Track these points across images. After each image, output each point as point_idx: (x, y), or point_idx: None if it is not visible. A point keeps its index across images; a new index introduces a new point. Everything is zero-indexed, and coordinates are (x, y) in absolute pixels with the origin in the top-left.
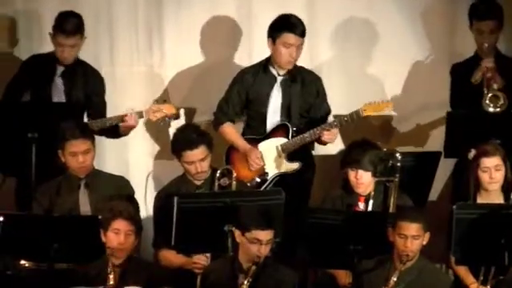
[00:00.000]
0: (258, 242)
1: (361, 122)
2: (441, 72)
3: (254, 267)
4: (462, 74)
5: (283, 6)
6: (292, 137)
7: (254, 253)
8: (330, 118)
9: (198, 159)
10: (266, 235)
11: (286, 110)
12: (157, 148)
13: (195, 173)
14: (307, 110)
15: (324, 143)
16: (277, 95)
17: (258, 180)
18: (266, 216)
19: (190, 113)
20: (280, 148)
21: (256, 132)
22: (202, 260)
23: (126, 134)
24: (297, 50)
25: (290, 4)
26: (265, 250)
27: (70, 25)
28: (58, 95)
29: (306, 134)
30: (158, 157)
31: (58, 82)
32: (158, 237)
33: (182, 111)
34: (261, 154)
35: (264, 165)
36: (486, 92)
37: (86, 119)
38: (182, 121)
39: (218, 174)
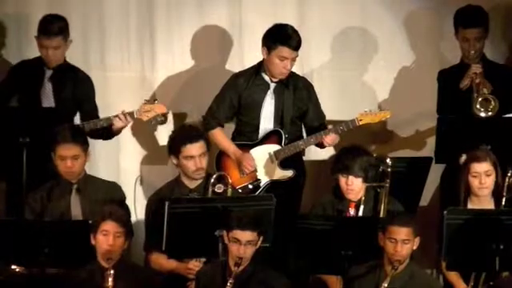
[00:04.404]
0: (237, 242)
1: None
2: (434, 79)
3: (235, 268)
4: (448, 80)
5: (274, 14)
6: (285, 144)
7: (233, 253)
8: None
9: (198, 154)
10: (245, 236)
11: (279, 116)
12: (147, 153)
13: (195, 169)
14: (299, 116)
15: (323, 147)
16: (270, 102)
17: (251, 187)
18: (248, 218)
19: (179, 117)
20: (273, 155)
21: (247, 138)
22: (196, 267)
23: (117, 133)
24: (291, 62)
25: (281, 11)
26: (244, 251)
27: (52, 26)
28: (48, 99)
29: (301, 142)
30: (149, 162)
31: (47, 86)
32: (149, 240)
33: (170, 115)
34: (253, 160)
35: (256, 171)
36: (476, 96)
37: (78, 122)
38: (171, 126)
39: (212, 180)
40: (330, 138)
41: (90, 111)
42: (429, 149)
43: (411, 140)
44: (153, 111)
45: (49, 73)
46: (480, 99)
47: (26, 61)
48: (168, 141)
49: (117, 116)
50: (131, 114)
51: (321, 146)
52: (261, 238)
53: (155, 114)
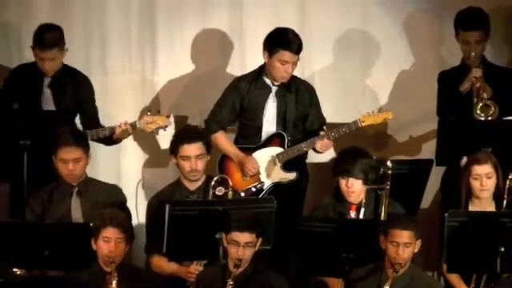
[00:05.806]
0: (235, 244)
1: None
2: (434, 82)
3: (234, 269)
4: (449, 82)
5: (275, 17)
6: (288, 146)
7: (232, 255)
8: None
9: (195, 154)
10: (243, 237)
11: (282, 119)
12: (148, 156)
13: (190, 170)
14: (301, 119)
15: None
16: (272, 105)
17: (254, 190)
18: (246, 219)
19: (181, 121)
20: (276, 157)
21: (250, 141)
22: (197, 271)
23: (118, 141)
24: (292, 66)
25: (282, 14)
26: (243, 253)
27: (47, 38)
28: (48, 104)
29: (303, 144)
30: (150, 165)
31: (47, 92)
32: (150, 243)
33: (171, 118)
34: (256, 162)
35: (259, 173)
36: (476, 101)
37: (79, 126)
38: (172, 129)
39: (213, 183)
40: (322, 144)
41: (90, 112)
42: (429, 151)
43: (411, 144)
44: (155, 123)
45: (47, 80)
46: (480, 104)
47: (25, 65)
48: (171, 140)
49: (120, 126)
50: (133, 124)
51: (316, 150)
52: (260, 240)
53: (158, 126)
